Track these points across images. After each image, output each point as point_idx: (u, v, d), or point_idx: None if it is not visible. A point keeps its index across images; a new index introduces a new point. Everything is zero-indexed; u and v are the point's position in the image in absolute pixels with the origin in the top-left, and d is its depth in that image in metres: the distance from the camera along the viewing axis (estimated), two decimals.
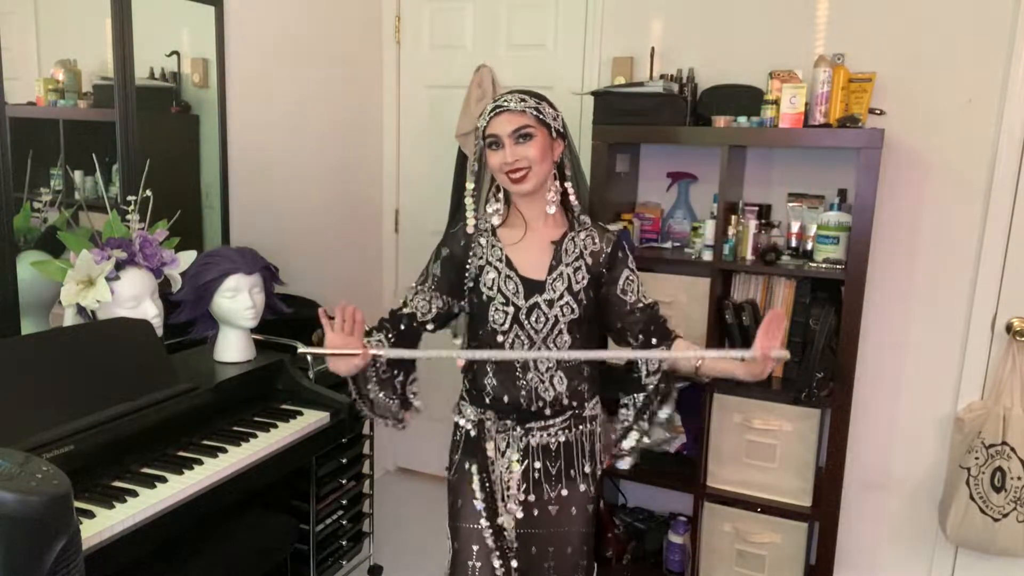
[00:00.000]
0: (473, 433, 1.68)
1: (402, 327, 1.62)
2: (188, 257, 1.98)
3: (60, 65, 2.00)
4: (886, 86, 2.39)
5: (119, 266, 1.80)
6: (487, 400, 1.66)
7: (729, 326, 2.39)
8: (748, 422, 2.40)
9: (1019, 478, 2.26)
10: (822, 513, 2.36)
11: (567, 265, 1.63)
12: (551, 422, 1.65)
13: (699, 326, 2.40)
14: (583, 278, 1.63)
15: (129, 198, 1.93)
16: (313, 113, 2.82)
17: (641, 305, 1.66)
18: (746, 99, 2.41)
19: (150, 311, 1.83)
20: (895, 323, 2.52)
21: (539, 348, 1.62)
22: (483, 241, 1.65)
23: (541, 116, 1.58)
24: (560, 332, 1.62)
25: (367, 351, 1.48)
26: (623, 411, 1.69)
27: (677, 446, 2.60)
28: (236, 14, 2.40)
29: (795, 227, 2.47)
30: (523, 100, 1.58)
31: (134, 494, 1.51)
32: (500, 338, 1.62)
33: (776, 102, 2.28)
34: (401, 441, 3.45)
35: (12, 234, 1.81)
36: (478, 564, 1.65)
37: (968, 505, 2.32)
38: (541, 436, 1.66)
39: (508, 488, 1.65)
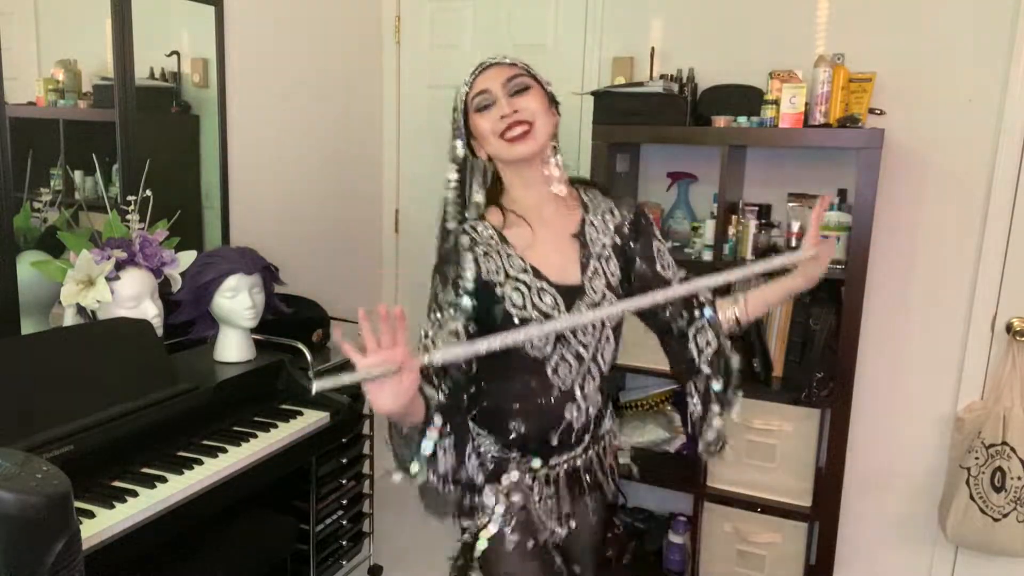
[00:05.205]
0: (491, 467, 1.45)
1: (446, 383, 1.29)
2: (188, 257, 1.98)
3: (60, 65, 2.00)
4: (886, 86, 2.39)
5: (119, 266, 1.80)
6: (511, 436, 1.44)
7: None
8: (748, 422, 2.40)
9: (1019, 478, 2.26)
10: (822, 513, 2.36)
11: (598, 257, 1.41)
12: (573, 452, 1.47)
13: None
14: (615, 266, 1.43)
15: (129, 198, 1.94)
16: (313, 113, 2.82)
17: (680, 279, 1.46)
18: (746, 99, 2.41)
19: (150, 311, 1.83)
20: (895, 323, 2.52)
21: (589, 365, 1.40)
22: (492, 250, 1.38)
23: (533, 73, 1.40)
24: (608, 339, 1.42)
25: (409, 359, 1.06)
26: (690, 401, 1.48)
27: (677, 446, 2.64)
28: (236, 14, 2.40)
29: (795, 227, 2.46)
30: (507, 57, 1.41)
31: (134, 494, 1.51)
32: (545, 366, 1.37)
33: (776, 102, 2.28)
34: None
35: (12, 234, 1.82)
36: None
37: (968, 505, 2.32)
38: (558, 468, 1.48)
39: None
